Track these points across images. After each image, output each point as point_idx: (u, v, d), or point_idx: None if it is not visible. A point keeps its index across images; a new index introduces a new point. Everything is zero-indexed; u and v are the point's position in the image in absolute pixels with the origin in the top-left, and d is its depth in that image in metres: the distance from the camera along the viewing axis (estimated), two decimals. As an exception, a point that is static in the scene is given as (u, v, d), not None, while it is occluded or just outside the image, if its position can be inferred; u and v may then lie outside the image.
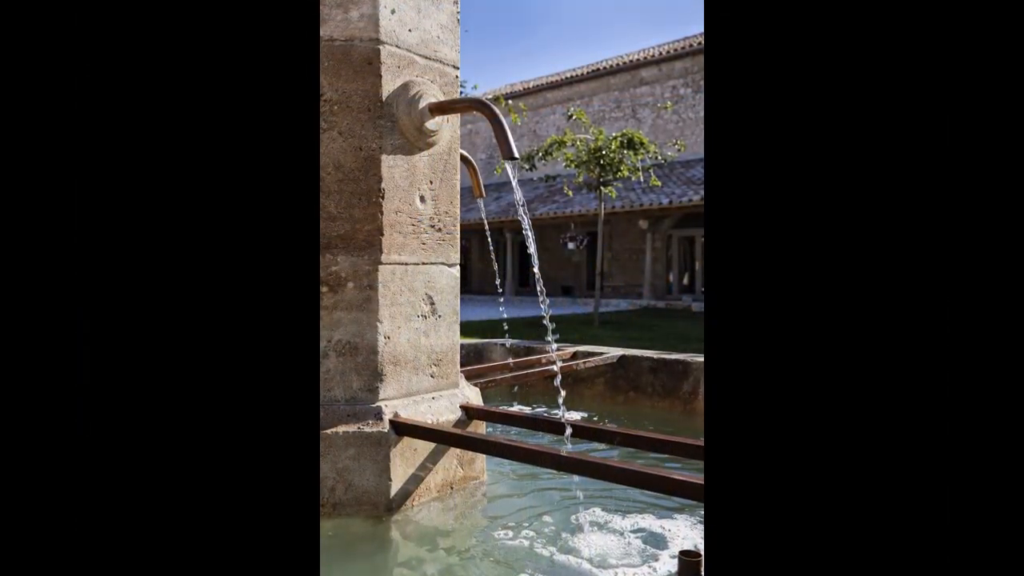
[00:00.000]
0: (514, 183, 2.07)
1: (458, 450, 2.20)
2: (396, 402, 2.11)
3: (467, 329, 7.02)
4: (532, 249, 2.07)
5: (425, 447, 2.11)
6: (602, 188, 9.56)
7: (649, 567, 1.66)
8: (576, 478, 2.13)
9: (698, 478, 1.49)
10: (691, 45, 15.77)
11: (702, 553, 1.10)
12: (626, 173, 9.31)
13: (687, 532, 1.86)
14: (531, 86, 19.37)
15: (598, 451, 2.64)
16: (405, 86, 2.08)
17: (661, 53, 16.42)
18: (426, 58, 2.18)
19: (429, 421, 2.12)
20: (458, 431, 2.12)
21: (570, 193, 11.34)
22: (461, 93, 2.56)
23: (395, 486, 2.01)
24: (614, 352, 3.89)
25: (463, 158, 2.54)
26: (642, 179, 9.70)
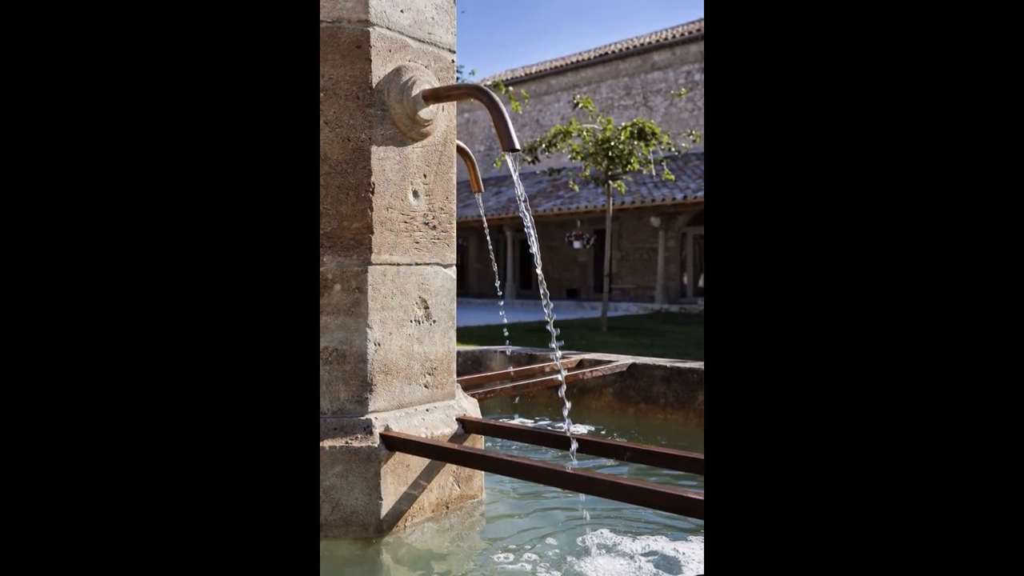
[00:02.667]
0: (515, 177, 2.10)
1: (454, 467, 2.22)
2: (387, 414, 2.12)
3: (464, 335, 7.05)
4: (535, 248, 2.07)
5: (419, 463, 2.12)
6: (610, 182, 9.60)
7: (662, 593, 1.69)
8: (582, 497, 2.15)
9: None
10: (708, 25, 15.81)
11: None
12: (636, 166, 9.35)
13: (703, 555, 1.89)
14: (534, 72, 19.43)
15: (606, 467, 2.66)
16: (397, 72, 2.10)
17: (674, 36, 16.48)
18: (420, 41, 2.20)
19: (423, 435, 2.13)
20: (454, 446, 2.13)
21: (576, 188, 11.40)
22: (458, 79, 2.59)
23: (386, 505, 2.02)
24: (623, 360, 3.91)
25: (460, 150, 2.56)
26: (654, 172, 9.74)
